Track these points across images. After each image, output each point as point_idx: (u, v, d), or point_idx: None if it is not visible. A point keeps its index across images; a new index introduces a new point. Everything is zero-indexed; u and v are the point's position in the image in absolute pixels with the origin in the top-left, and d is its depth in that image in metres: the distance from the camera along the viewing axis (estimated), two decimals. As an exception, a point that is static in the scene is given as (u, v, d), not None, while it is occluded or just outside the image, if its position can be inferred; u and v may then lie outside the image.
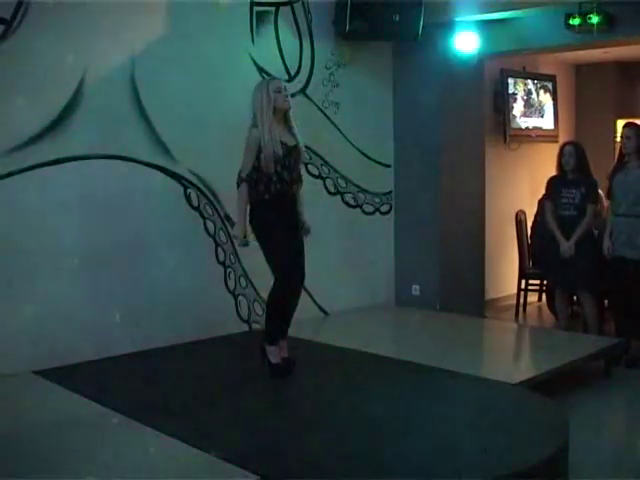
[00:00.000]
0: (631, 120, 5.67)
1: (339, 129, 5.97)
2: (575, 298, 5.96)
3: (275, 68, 5.51)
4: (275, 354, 4.23)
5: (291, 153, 4.14)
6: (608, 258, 5.21)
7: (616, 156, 5.39)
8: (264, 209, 4.15)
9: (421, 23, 5.60)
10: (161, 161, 4.92)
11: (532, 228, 7.03)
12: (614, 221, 5.19)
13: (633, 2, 5.05)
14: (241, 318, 5.39)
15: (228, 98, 5.10)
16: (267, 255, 4.18)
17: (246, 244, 4.17)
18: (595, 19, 5.16)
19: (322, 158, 5.86)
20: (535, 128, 7.80)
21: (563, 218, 5.45)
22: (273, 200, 4.12)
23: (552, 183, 5.61)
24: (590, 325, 5.53)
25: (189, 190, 5.08)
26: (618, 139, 5.28)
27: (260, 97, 4.11)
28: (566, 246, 5.37)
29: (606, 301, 5.76)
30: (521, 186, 7.58)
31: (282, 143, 4.09)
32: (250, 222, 4.17)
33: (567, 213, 5.44)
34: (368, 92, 6.19)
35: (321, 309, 5.92)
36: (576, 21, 5.26)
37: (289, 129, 4.20)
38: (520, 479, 2.93)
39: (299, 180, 4.27)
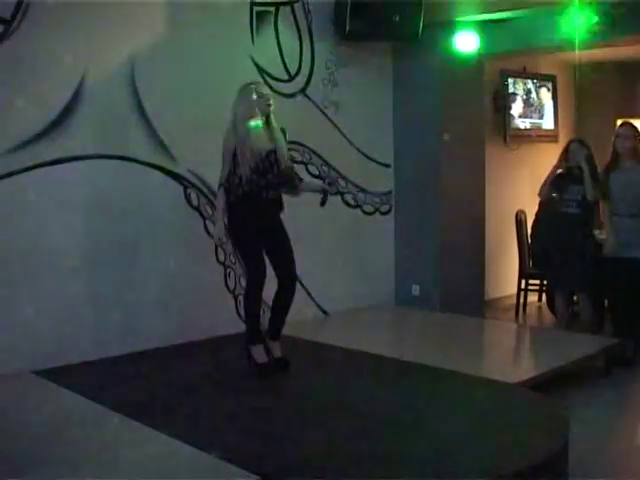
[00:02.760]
0: (627, 120, 5.67)
1: (339, 129, 5.97)
2: (575, 298, 5.97)
3: (275, 68, 5.52)
4: (260, 353, 4.27)
5: (266, 157, 4.16)
6: (609, 257, 5.21)
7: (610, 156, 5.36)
8: (233, 210, 4.19)
9: (421, 23, 5.61)
10: (161, 161, 4.92)
11: (532, 227, 7.02)
12: (615, 221, 5.18)
13: (633, 2, 5.04)
14: (241, 318, 5.37)
15: (228, 98, 5.08)
16: (237, 255, 4.29)
17: (222, 244, 4.34)
18: (595, 19, 5.16)
19: (322, 158, 5.86)
20: (535, 128, 7.80)
21: (566, 215, 5.45)
22: (241, 202, 4.14)
23: (558, 178, 5.58)
24: (585, 325, 5.52)
25: (189, 190, 5.08)
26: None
27: (244, 102, 4.17)
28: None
29: (605, 301, 5.76)
30: (521, 186, 7.57)
31: (259, 148, 4.15)
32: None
33: (570, 210, 5.43)
34: (368, 92, 6.19)
35: (321, 309, 5.92)
36: (576, 21, 5.25)
37: (269, 133, 4.21)
38: (520, 479, 2.93)
39: (278, 183, 4.22)
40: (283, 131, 4.32)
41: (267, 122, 4.22)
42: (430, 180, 6.18)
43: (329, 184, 4.34)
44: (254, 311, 4.29)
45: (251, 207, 4.14)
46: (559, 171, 5.60)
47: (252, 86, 4.23)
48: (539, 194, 5.71)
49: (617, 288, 5.19)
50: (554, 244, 5.53)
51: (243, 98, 4.19)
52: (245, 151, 4.09)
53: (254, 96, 4.16)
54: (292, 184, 4.30)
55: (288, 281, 4.32)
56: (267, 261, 4.29)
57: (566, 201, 5.46)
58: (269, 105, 4.19)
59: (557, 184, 5.59)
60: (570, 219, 5.42)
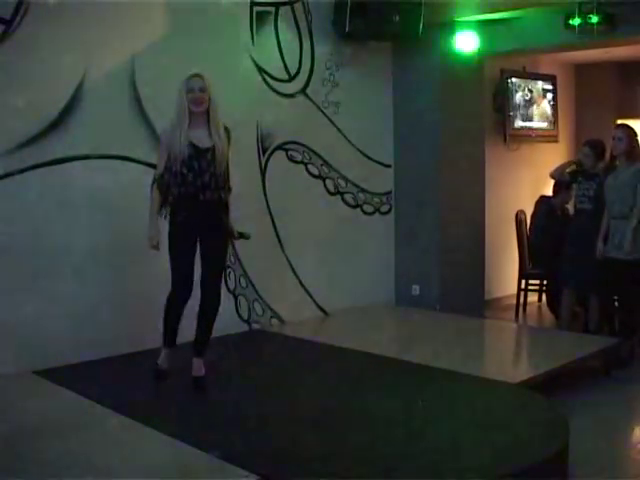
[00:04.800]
0: (623, 121, 5.68)
1: (339, 129, 5.97)
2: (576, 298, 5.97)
3: (275, 68, 5.52)
4: (162, 357, 4.11)
5: (202, 156, 3.89)
6: (600, 259, 5.20)
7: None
8: (171, 212, 3.96)
9: (421, 23, 5.61)
10: (161, 161, 4.91)
11: (530, 229, 7.03)
12: (611, 223, 5.17)
13: (633, 2, 5.05)
14: (241, 318, 5.39)
15: (228, 98, 5.07)
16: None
17: (157, 248, 3.99)
18: (595, 19, 5.16)
19: (322, 158, 5.86)
20: (535, 128, 7.80)
21: (580, 211, 5.46)
22: (178, 203, 3.92)
23: (570, 175, 5.62)
24: (593, 324, 5.52)
25: (189, 190, 5.07)
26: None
27: (178, 96, 3.92)
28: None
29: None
30: (521, 186, 7.58)
31: (192, 145, 3.87)
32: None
33: (584, 206, 5.45)
34: (368, 92, 6.19)
35: (321, 309, 5.92)
36: (576, 21, 5.26)
37: (208, 130, 3.93)
38: (520, 479, 2.93)
39: (216, 185, 3.93)
40: (226, 130, 4.02)
41: (207, 118, 3.93)
42: (430, 180, 6.18)
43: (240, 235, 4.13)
44: (171, 326, 4.07)
45: (187, 209, 3.91)
46: (572, 167, 5.63)
47: (185, 80, 3.92)
48: (552, 173, 5.75)
49: (612, 289, 5.18)
50: (571, 241, 5.52)
51: (178, 93, 3.93)
52: (176, 148, 3.86)
53: (185, 91, 3.89)
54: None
55: (209, 296, 4.03)
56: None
57: (579, 197, 5.48)
58: (199, 103, 3.87)
59: (575, 179, 5.62)
60: (584, 215, 5.42)
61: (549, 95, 7.99)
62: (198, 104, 3.89)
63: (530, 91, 7.76)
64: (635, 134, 5.16)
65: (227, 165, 4.00)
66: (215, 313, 4.08)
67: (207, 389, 4.02)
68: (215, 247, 4.05)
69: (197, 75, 3.93)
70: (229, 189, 4.05)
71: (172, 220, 3.98)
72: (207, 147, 3.92)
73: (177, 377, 4.27)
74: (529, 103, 7.74)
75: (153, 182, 4.01)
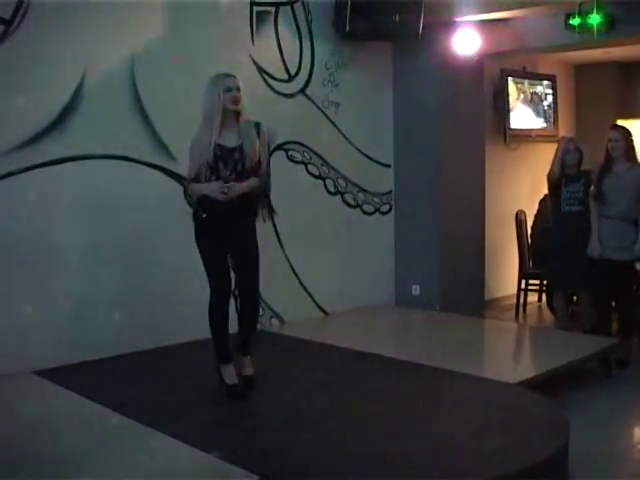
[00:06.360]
0: (623, 121, 5.67)
1: (339, 129, 5.97)
2: (575, 298, 5.97)
3: (275, 68, 5.52)
4: (230, 374, 3.96)
5: (228, 155, 3.81)
6: (596, 260, 5.18)
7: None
8: (196, 217, 3.91)
9: (421, 23, 5.61)
10: (161, 161, 4.92)
11: (532, 228, 7.03)
12: (603, 224, 5.14)
13: (633, 2, 5.05)
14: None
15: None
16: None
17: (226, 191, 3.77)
18: (595, 19, 5.17)
19: (322, 158, 5.86)
20: (535, 128, 7.80)
21: (570, 214, 5.45)
22: (201, 205, 3.86)
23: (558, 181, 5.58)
24: (586, 324, 5.52)
25: (189, 190, 5.08)
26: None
27: (208, 96, 3.83)
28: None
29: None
30: (521, 186, 7.58)
31: (219, 145, 3.79)
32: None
33: (573, 208, 5.44)
34: (368, 92, 6.19)
35: (321, 309, 5.92)
36: (576, 21, 5.26)
37: (237, 129, 3.86)
38: (520, 479, 2.93)
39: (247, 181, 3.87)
40: (257, 125, 3.94)
41: (236, 118, 3.86)
42: (430, 180, 6.18)
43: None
44: (219, 328, 3.94)
45: (212, 210, 3.81)
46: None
47: (218, 80, 3.83)
48: (549, 175, 5.68)
49: (606, 289, 5.19)
50: (559, 244, 5.51)
51: (208, 93, 3.84)
52: (204, 152, 3.77)
53: (222, 90, 3.78)
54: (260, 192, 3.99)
55: (247, 304, 4.01)
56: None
57: (567, 200, 5.47)
58: (238, 102, 3.82)
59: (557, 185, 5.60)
60: (573, 217, 5.41)
61: (549, 95, 7.99)
62: (237, 103, 3.83)
63: (530, 91, 7.75)
64: (630, 135, 5.16)
65: (267, 157, 4.02)
66: (256, 320, 4.11)
67: (255, 388, 4.00)
68: (247, 250, 3.96)
69: (231, 74, 3.89)
70: (265, 175, 4.07)
71: (196, 226, 3.92)
72: (234, 146, 3.84)
73: (177, 377, 4.28)
74: (529, 103, 7.73)
75: (185, 190, 4.03)
